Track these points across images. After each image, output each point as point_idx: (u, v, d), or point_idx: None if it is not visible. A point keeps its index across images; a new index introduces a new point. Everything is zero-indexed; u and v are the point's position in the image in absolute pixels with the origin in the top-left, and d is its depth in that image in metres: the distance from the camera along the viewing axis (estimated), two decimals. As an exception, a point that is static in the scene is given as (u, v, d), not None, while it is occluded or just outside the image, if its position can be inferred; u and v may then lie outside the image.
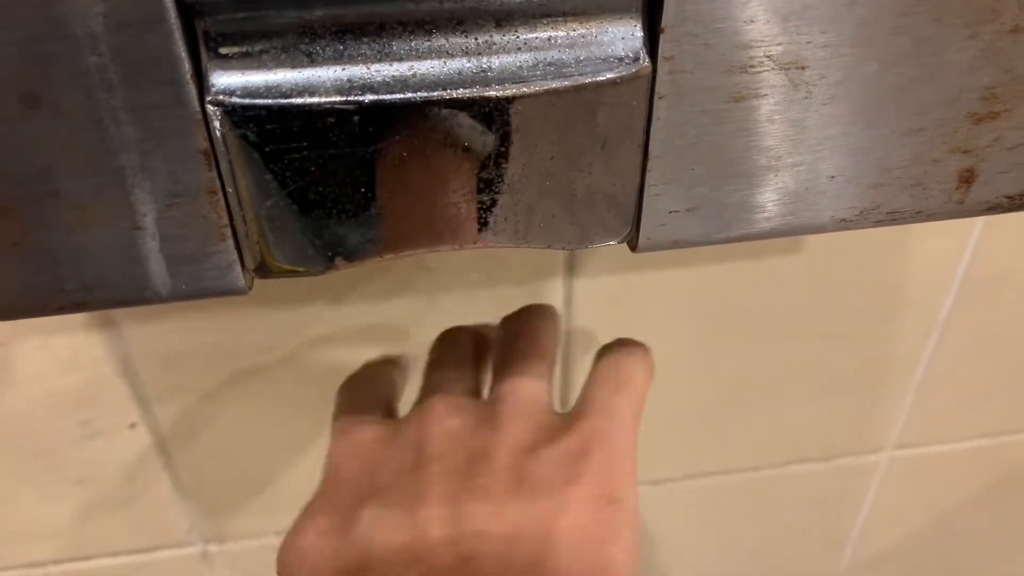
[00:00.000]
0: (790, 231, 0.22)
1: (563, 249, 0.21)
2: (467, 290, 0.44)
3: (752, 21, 0.19)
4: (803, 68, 0.19)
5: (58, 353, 0.43)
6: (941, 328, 0.52)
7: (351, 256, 0.20)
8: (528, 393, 0.29)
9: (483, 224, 0.20)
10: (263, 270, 0.21)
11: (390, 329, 0.45)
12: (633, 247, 0.22)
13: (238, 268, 0.20)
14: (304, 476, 0.45)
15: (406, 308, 0.44)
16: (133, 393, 0.45)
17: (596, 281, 0.46)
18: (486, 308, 0.45)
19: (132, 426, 0.47)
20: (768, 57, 0.19)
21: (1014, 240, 0.49)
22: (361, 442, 0.29)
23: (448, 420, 0.28)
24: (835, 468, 0.58)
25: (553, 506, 0.26)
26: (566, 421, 0.28)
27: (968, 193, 0.22)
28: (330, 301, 0.43)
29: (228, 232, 0.20)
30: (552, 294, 0.46)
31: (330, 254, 0.20)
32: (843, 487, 0.60)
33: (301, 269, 0.21)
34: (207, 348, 0.44)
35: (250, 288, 0.21)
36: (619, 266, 0.45)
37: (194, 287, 0.20)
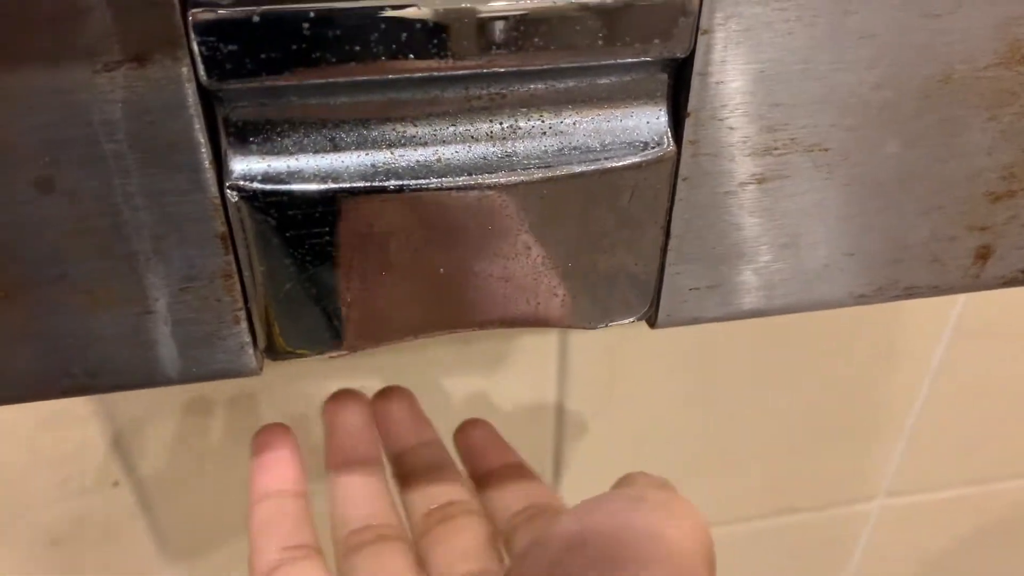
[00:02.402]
0: (809, 307, 0.22)
1: (584, 328, 0.21)
2: (461, 344, 0.44)
3: (777, 105, 0.18)
4: (826, 150, 0.19)
5: (40, 410, 0.42)
6: (932, 377, 0.52)
7: (366, 341, 0.20)
8: None
9: (504, 306, 0.20)
10: (272, 351, 0.20)
11: (381, 383, 0.44)
12: (652, 324, 0.22)
13: (251, 350, 0.20)
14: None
15: (398, 361, 0.43)
16: (116, 451, 0.44)
17: (590, 333, 0.45)
18: (480, 362, 0.44)
19: (115, 484, 0.45)
20: (792, 140, 0.19)
21: (1004, 291, 0.49)
22: None
23: None
24: (827, 517, 0.58)
25: None
26: None
27: (984, 268, 0.22)
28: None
29: (242, 315, 0.19)
30: (547, 346, 0.45)
31: (344, 339, 0.20)
32: (835, 536, 0.60)
33: (312, 352, 0.20)
34: (192, 406, 0.43)
35: (261, 369, 0.20)
36: (614, 319, 0.45)
37: (205, 370, 0.20)
